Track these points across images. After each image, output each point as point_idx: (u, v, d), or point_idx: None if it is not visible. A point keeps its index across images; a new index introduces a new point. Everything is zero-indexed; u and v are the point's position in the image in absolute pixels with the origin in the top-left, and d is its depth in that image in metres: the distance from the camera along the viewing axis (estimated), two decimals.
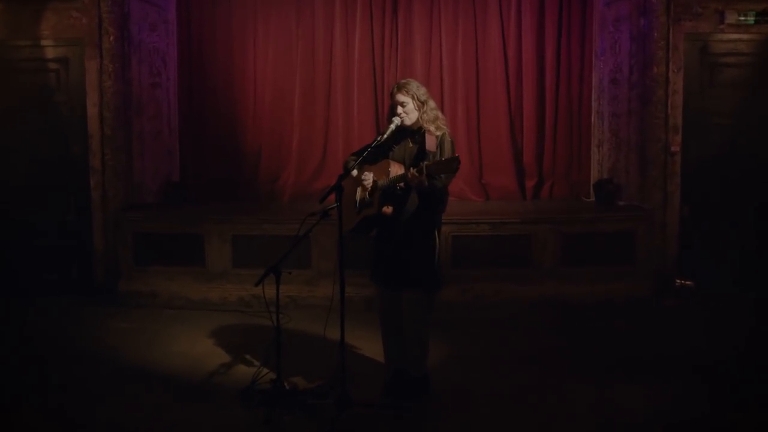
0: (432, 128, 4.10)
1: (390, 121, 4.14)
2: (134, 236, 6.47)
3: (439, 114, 4.20)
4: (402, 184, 3.95)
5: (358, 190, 4.23)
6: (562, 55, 7.27)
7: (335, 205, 3.86)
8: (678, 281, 6.36)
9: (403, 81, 4.20)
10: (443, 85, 7.33)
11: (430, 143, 4.00)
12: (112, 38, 6.55)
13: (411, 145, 4.18)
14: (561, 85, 7.30)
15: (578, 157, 7.36)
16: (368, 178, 4.15)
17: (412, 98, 4.12)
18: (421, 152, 4.04)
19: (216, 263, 6.34)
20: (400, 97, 4.12)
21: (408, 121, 4.15)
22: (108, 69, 6.57)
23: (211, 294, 6.32)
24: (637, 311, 5.98)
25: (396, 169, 4.04)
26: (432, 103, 4.19)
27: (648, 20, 6.40)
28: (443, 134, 4.11)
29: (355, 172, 4.21)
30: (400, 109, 4.13)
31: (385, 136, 4.09)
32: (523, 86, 7.34)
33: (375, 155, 4.18)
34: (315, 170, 7.52)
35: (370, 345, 5.04)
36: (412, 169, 3.84)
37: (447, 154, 4.04)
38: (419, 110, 4.13)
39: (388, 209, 4.03)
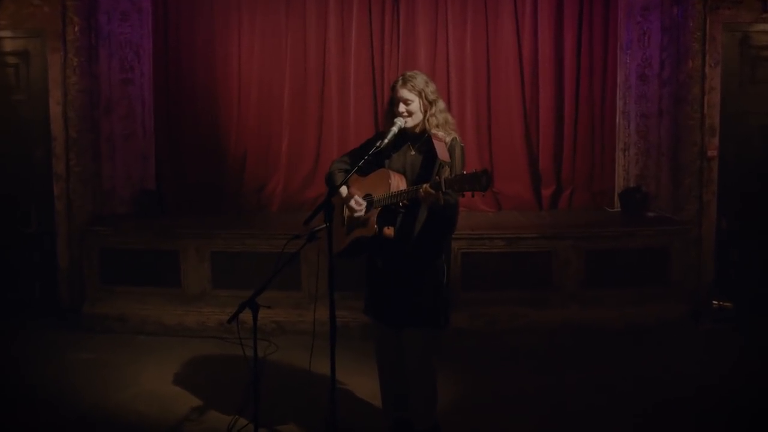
0: (439, 133, 3.59)
1: (391, 123, 3.62)
2: (101, 252, 6.06)
3: (449, 117, 3.71)
4: (406, 201, 3.44)
5: (345, 207, 3.71)
6: (582, 47, 6.87)
7: (324, 225, 3.32)
8: (715, 303, 6.07)
9: (409, 73, 3.68)
10: (450, 82, 6.93)
11: (442, 151, 3.46)
12: (77, 28, 6.17)
13: (412, 152, 3.67)
14: (582, 81, 6.90)
15: (601, 162, 6.98)
16: (360, 206, 3.64)
17: (419, 96, 3.61)
18: (430, 162, 3.54)
19: (193, 283, 5.94)
20: (404, 93, 3.60)
21: (412, 123, 3.64)
22: (72, 63, 6.19)
23: (188, 318, 5.92)
24: (672, 337, 5.64)
25: (397, 181, 3.54)
26: (441, 104, 3.69)
27: (682, 8, 6.13)
28: (453, 139, 3.60)
29: (344, 190, 3.67)
30: (402, 108, 3.61)
31: (387, 140, 3.55)
32: (540, 83, 6.94)
33: (368, 164, 3.66)
34: (307, 177, 7.09)
35: (367, 383, 4.55)
36: (425, 184, 3.32)
37: (458, 163, 3.53)
38: (426, 112, 3.62)
39: (389, 231, 3.53)
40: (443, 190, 3.23)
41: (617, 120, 6.82)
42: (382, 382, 3.93)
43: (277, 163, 7.07)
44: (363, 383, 4.63)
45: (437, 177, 3.27)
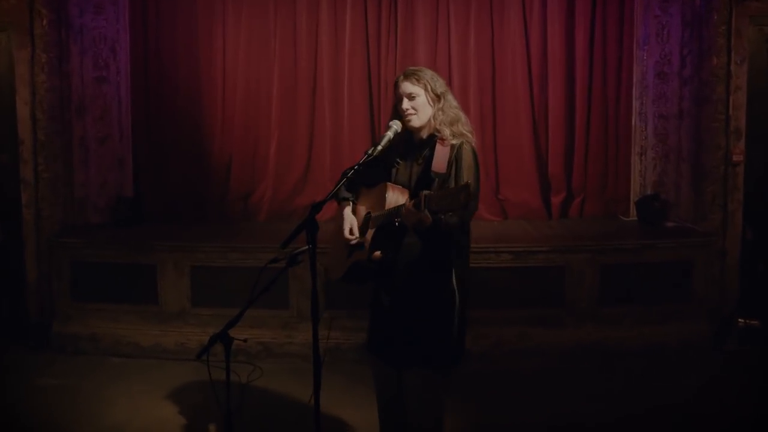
0: (447, 132, 3.21)
1: (387, 126, 3.24)
2: (72, 266, 5.77)
3: (462, 115, 3.33)
4: (399, 220, 3.08)
5: (344, 230, 3.36)
6: (596, 43, 6.65)
7: (306, 247, 2.93)
8: (741, 321, 5.81)
9: (412, 68, 3.33)
10: (452, 80, 6.65)
11: (440, 160, 3.11)
12: (45, 22, 5.90)
13: (420, 161, 3.29)
14: (595, 80, 6.69)
15: (615, 167, 6.76)
16: (353, 237, 3.30)
17: (425, 89, 3.24)
18: (427, 174, 3.17)
19: (171, 301, 5.64)
20: (407, 87, 3.25)
21: (417, 122, 3.27)
22: (41, 59, 5.92)
23: (166, 339, 5.61)
24: (694, 359, 5.41)
25: (396, 197, 3.17)
26: (452, 99, 3.33)
27: (705, 0, 5.87)
28: (461, 144, 3.22)
29: (346, 203, 3.30)
30: (407, 104, 3.23)
31: (380, 147, 3.18)
32: (549, 81, 6.71)
33: (371, 176, 3.31)
34: (297, 183, 6.85)
35: (360, 415, 4.29)
36: (408, 201, 2.96)
37: (468, 172, 3.15)
38: (433, 106, 3.26)
39: (377, 255, 3.17)
40: (423, 209, 2.83)
41: (633, 121, 6.61)
42: (381, 421, 3.57)
43: (265, 169, 6.85)
44: (356, 415, 4.35)
45: (422, 193, 2.87)
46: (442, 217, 2.97)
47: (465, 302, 3.30)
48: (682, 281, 5.58)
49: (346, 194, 3.41)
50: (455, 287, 3.25)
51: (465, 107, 6.41)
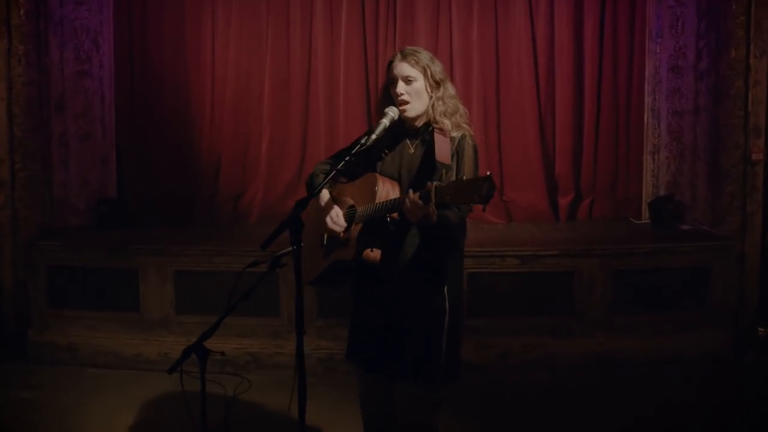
0: (446, 124, 2.96)
1: (382, 109, 3.02)
2: (49, 270, 5.59)
3: (460, 106, 3.07)
4: (395, 215, 2.82)
5: (327, 219, 3.07)
6: (605, 35, 6.55)
7: (290, 249, 2.68)
8: (761, 330, 5.63)
9: (410, 48, 3.08)
10: (454, 76, 6.52)
11: (443, 150, 2.84)
12: (22, 11, 5.72)
13: (412, 150, 3.04)
14: (604, 74, 6.59)
15: (626, 167, 6.67)
16: (338, 219, 3.02)
17: (423, 73, 2.98)
18: (427, 163, 2.91)
19: (153, 308, 5.46)
20: (405, 69, 2.99)
21: (412, 111, 3.00)
22: (18, 52, 5.74)
23: (148, 348, 5.43)
24: (712, 370, 5.26)
25: (387, 189, 2.91)
26: (451, 88, 3.07)
27: None
28: (463, 135, 2.98)
29: (325, 194, 3.03)
30: (401, 87, 2.98)
31: (375, 135, 2.92)
32: (556, 76, 6.61)
33: (356, 166, 3.04)
34: (290, 184, 6.74)
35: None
36: (411, 192, 2.67)
37: (468, 167, 2.91)
38: (431, 94, 3.00)
39: (373, 254, 2.91)
40: (433, 201, 2.59)
41: (645, 118, 6.50)
42: None
43: (256, 169, 6.74)
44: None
45: (430, 184, 2.62)
46: (448, 213, 2.78)
47: (458, 311, 3.06)
48: (698, 288, 5.46)
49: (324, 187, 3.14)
50: (446, 294, 3.02)
51: (468, 103, 6.34)
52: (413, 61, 2.98)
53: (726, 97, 5.73)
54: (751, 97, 5.66)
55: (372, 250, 2.90)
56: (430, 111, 3.00)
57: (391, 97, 3.02)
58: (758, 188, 5.74)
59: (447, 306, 3.00)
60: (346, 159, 2.84)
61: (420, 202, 2.61)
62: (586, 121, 6.62)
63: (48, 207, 6.01)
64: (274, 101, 6.66)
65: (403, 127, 3.04)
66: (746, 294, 5.69)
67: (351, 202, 3.02)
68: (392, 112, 2.94)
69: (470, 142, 2.97)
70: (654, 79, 6.35)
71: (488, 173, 2.43)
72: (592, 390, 4.92)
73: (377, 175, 2.97)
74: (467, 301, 5.17)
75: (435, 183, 2.57)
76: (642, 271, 5.36)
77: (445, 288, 3.00)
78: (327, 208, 3.02)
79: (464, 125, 3.00)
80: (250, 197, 6.70)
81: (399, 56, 3.02)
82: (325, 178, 2.86)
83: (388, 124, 2.92)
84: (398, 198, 2.77)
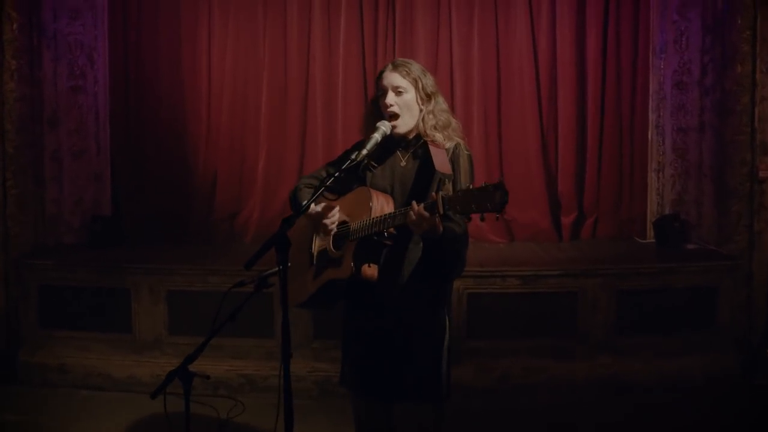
0: (438, 137, 2.90)
1: (370, 122, 2.95)
2: (40, 290, 5.53)
3: (453, 120, 3.01)
4: (392, 229, 2.73)
5: (316, 237, 3.01)
6: (609, 50, 6.49)
7: (277, 269, 2.60)
8: None
9: (401, 59, 3.02)
10: (454, 89, 6.52)
11: (441, 160, 2.75)
12: (15, 26, 5.67)
13: (402, 163, 2.97)
14: (608, 89, 6.54)
15: (630, 185, 6.60)
16: (333, 217, 2.94)
17: (415, 85, 2.92)
18: (425, 175, 2.83)
19: (146, 329, 5.38)
20: (395, 79, 2.93)
21: (404, 127, 2.94)
22: (10, 66, 5.68)
23: (140, 370, 5.33)
24: (720, 395, 5.14)
25: (381, 204, 2.83)
26: (442, 101, 3.00)
27: (728, 3, 5.74)
28: (457, 144, 2.92)
29: (316, 208, 2.94)
30: (391, 98, 2.91)
31: (366, 150, 2.84)
32: (558, 91, 6.55)
33: (344, 181, 2.96)
34: (287, 201, 6.42)
35: None
36: (415, 204, 2.59)
37: (463, 177, 2.85)
38: (422, 107, 2.94)
39: (370, 270, 2.81)
40: (441, 212, 2.51)
41: (650, 135, 6.45)
42: None
43: (253, 186, 6.67)
44: None
45: (434, 195, 2.55)
46: (452, 225, 2.71)
47: (451, 325, 3.01)
48: (705, 309, 5.38)
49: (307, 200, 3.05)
50: (446, 310, 2.96)
51: (468, 118, 6.39)
52: (404, 72, 2.91)
53: (732, 113, 5.67)
54: (758, 113, 5.60)
55: (369, 266, 2.81)
56: (421, 125, 2.92)
57: (379, 111, 2.95)
58: (766, 206, 5.67)
59: (447, 323, 2.95)
60: (336, 175, 2.76)
61: (426, 213, 2.54)
62: (589, 138, 6.57)
63: (41, 224, 5.95)
64: (272, 115, 6.61)
65: (392, 140, 2.96)
66: (754, 315, 5.61)
67: (343, 218, 2.92)
68: (384, 127, 2.86)
69: (465, 151, 2.91)
70: (658, 95, 6.30)
71: (499, 180, 2.35)
72: (595, 414, 4.84)
73: (370, 189, 2.88)
74: (467, 322, 5.11)
75: (441, 193, 2.50)
76: (647, 292, 5.29)
77: (445, 304, 2.95)
78: (317, 217, 2.94)
79: (456, 138, 2.94)
80: (247, 215, 6.63)
81: (390, 66, 2.96)
82: (314, 194, 2.77)
83: (379, 138, 2.84)
84: (401, 211, 2.68)
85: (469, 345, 5.10)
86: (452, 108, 6.21)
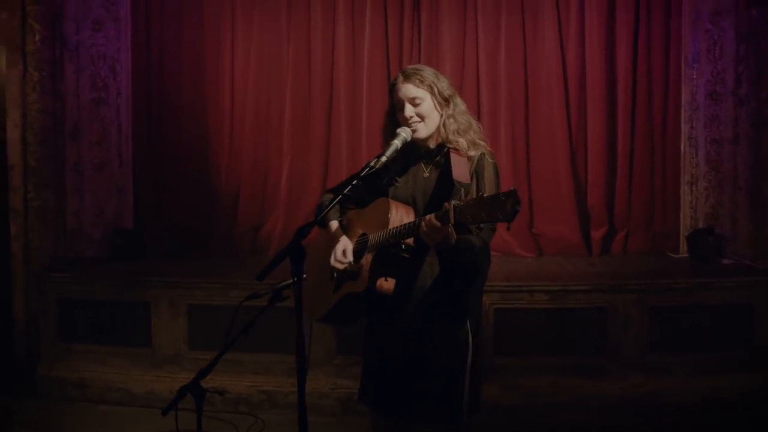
0: (462, 143, 2.81)
1: (388, 136, 2.86)
2: (59, 303, 5.50)
3: (473, 121, 2.93)
4: (410, 241, 2.65)
5: (333, 252, 2.93)
6: (639, 61, 6.42)
7: (291, 281, 2.53)
8: None
9: (412, 67, 2.93)
10: (480, 102, 6.49)
11: (460, 169, 2.67)
12: (37, 38, 5.71)
13: (425, 174, 2.89)
14: (638, 101, 6.45)
15: (662, 198, 6.51)
16: (353, 232, 2.89)
17: (431, 91, 2.83)
18: (445, 185, 2.73)
19: (165, 343, 5.34)
20: (410, 90, 2.84)
21: (423, 132, 2.85)
22: (33, 78, 5.72)
23: (159, 385, 5.27)
24: (757, 415, 4.97)
25: (400, 215, 2.75)
26: (461, 104, 2.92)
27: (762, 11, 5.65)
28: (482, 154, 2.83)
29: (333, 224, 2.89)
30: (410, 110, 2.82)
31: (385, 157, 2.76)
32: (588, 103, 6.49)
33: (365, 192, 2.90)
34: (311, 214, 6.48)
35: None
36: (428, 216, 2.50)
37: (490, 187, 2.75)
38: (441, 112, 2.86)
39: (387, 284, 2.73)
40: (452, 221, 2.42)
41: (682, 147, 6.36)
42: None
43: (276, 198, 6.66)
44: None
45: (447, 203, 2.46)
46: (470, 236, 2.60)
47: (480, 343, 2.89)
48: (741, 326, 5.21)
49: (333, 216, 2.99)
50: (469, 326, 2.84)
51: (495, 132, 6.34)
52: (417, 81, 2.83)
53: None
54: None
55: (386, 280, 2.72)
56: (442, 130, 2.84)
57: (396, 124, 2.87)
58: None
59: (470, 340, 2.82)
60: (353, 183, 2.69)
61: (437, 223, 2.45)
62: (620, 150, 6.49)
63: (62, 237, 5.95)
64: (295, 126, 6.61)
65: (416, 150, 2.89)
66: None
67: (362, 231, 2.85)
68: (404, 133, 2.78)
69: (490, 160, 2.81)
70: (691, 106, 6.21)
71: (512, 188, 2.26)
72: None
73: (389, 200, 2.81)
74: (493, 338, 5.02)
75: (453, 202, 2.41)
76: (680, 308, 5.16)
77: (468, 319, 2.83)
78: (334, 240, 2.86)
79: (480, 142, 2.85)
80: (270, 228, 6.60)
81: (401, 77, 2.87)
82: (331, 204, 2.70)
83: (399, 145, 2.77)
84: (413, 222, 2.61)
85: (495, 362, 5.01)
86: (479, 120, 6.20)
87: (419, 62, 6.29)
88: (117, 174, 6.31)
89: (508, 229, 2.32)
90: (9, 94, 5.70)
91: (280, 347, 5.01)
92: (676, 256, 6.27)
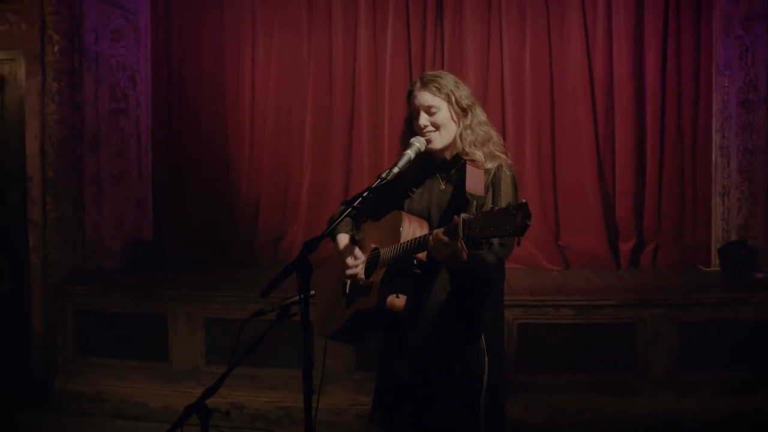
0: (478, 155, 2.70)
1: (406, 144, 2.75)
2: (76, 316, 5.47)
3: (493, 133, 2.81)
4: (423, 256, 2.57)
5: (347, 260, 2.85)
6: (668, 68, 6.33)
7: (298, 297, 2.46)
8: None
9: (431, 73, 2.82)
10: (505, 109, 6.42)
11: (475, 181, 2.58)
12: (56, 48, 5.67)
13: (443, 186, 2.78)
14: (668, 109, 6.36)
15: (693, 210, 6.41)
16: (365, 246, 2.81)
17: (448, 100, 2.73)
18: (459, 198, 2.63)
19: (182, 357, 5.27)
20: (426, 98, 2.74)
21: (438, 142, 2.75)
22: (51, 89, 5.69)
23: (176, 400, 5.17)
24: None
25: (413, 228, 2.65)
26: (480, 114, 2.80)
27: None
28: (499, 166, 2.71)
29: (344, 237, 2.81)
30: (424, 119, 2.73)
31: (397, 168, 2.66)
32: (615, 111, 6.41)
33: (380, 204, 2.82)
34: None
35: None
36: (436, 230, 2.41)
37: (507, 200, 2.63)
38: (459, 122, 2.74)
39: (398, 301, 2.65)
40: (461, 236, 2.31)
41: (713, 157, 6.24)
42: None
43: (297, 210, 6.65)
44: None
45: (457, 217, 2.35)
46: (482, 252, 2.49)
47: (499, 365, 2.75)
48: None
49: (345, 229, 2.91)
50: (485, 346, 2.71)
51: (520, 141, 6.28)
52: (434, 89, 2.73)
53: None
54: None
55: (397, 297, 2.63)
56: (459, 141, 2.74)
57: (413, 133, 2.78)
58: None
59: (486, 361, 2.70)
60: (363, 195, 2.59)
61: (445, 238, 2.35)
62: (649, 160, 6.39)
63: (80, 249, 5.90)
64: (316, 136, 6.59)
65: (432, 161, 2.79)
66: None
67: (374, 245, 2.76)
68: (418, 143, 2.68)
69: (507, 172, 2.70)
70: (722, 115, 6.09)
71: (523, 200, 2.16)
72: None
73: (402, 213, 2.71)
74: (517, 355, 4.89)
75: (462, 215, 2.31)
76: (711, 324, 4.99)
77: (483, 339, 2.70)
78: (346, 252, 2.77)
79: (499, 154, 2.74)
80: (291, 240, 6.57)
81: (418, 84, 2.77)
82: (341, 216, 2.63)
83: (413, 156, 2.67)
84: (423, 236, 2.51)
85: (519, 379, 4.89)
86: (503, 133, 6.19)
87: (442, 68, 6.24)
88: (136, 185, 6.31)
89: (518, 244, 2.21)
90: (28, 104, 5.68)
91: (298, 362, 4.87)
92: (708, 269, 6.15)
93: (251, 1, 6.61)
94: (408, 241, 2.56)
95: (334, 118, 6.56)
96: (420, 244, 2.50)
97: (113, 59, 6.07)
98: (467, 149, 2.72)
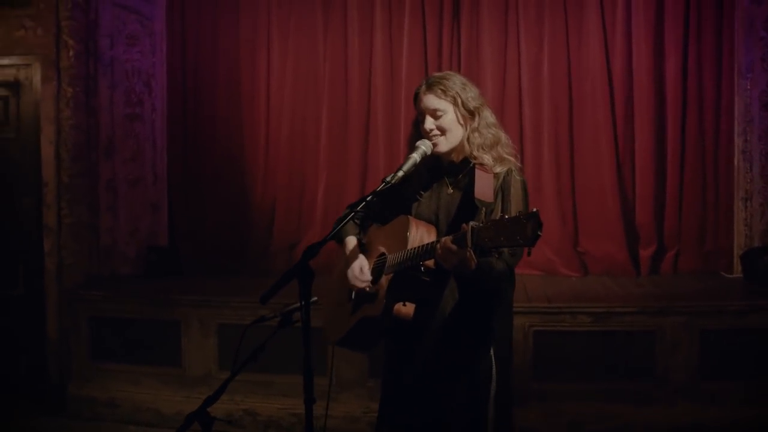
0: (487, 159, 2.65)
1: (412, 148, 2.71)
2: (90, 322, 5.50)
3: (502, 135, 2.76)
4: (431, 263, 2.51)
5: (348, 271, 2.81)
6: (689, 71, 6.27)
7: (299, 304, 2.44)
8: None
9: (438, 74, 2.78)
10: (523, 115, 6.39)
11: (483, 186, 2.54)
12: (71, 53, 5.70)
13: (450, 190, 2.74)
14: (689, 113, 6.30)
15: (715, 215, 6.34)
16: (372, 250, 2.78)
17: (454, 103, 2.68)
18: (467, 203, 2.59)
19: (195, 363, 5.28)
20: (431, 101, 2.70)
21: (444, 146, 2.71)
22: (66, 94, 5.71)
23: (189, 406, 5.02)
24: None
25: (421, 234, 2.61)
26: (489, 115, 2.75)
27: None
28: (509, 170, 2.67)
29: (351, 241, 2.78)
30: (430, 123, 2.69)
31: (402, 172, 2.63)
32: (635, 114, 6.35)
33: (387, 208, 2.79)
34: None
35: None
36: (444, 238, 2.38)
37: (516, 206, 2.59)
38: (465, 125, 2.69)
39: (405, 309, 2.60)
40: (469, 245, 2.27)
41: (736, 162, 6.16)
42: None
43: (312, 215, 6.64)
44: None
45: (465, 225, 2.31)
46: (491, 260, 2.46)
47: (507, 374, 2.71)
48: None
49: (352, 233, 2.88)
50: (493, 353, 2.67)
51: (538, 145, 6.25)
52: (440, 92, 2.68)
53: None
54: None
55: (404, 305, 2.59)
56: (466, 145, 2.69)
57: (420, 135, 2.74)
58: None
59: (494, 370, 2.66)
60: (367, 199, 2.57)
61: (453, 246, 2.31)
62: (669, 164, 6.33)
63: (95, 254, 5.92)
64: (331, 140, 6.59)
65: (440, 164, 2.75)
66: None
67: (382, 250, 2.73)
68: (424, 146, 2.65)
69: (517, 177, 2.66)
70: (745, 118, 6.01)
71: (534, 209, 2.11)
72: None
73: (410, 218, 2.67)
74: (533, 363, 4.85)
75: (471, 224, 2.26)
76: (734, 332, 4.92)
77: (492, 349, 2.66)
78: (351, 259, 2.74)
79: (508, 157, 2.69)
80: (307, 245, 6.44)
81: (424, 87, 2.73)
82: (343, 221, 2.60)
83: (418, 159, 2.63)
84: (430, 243, 2.46)
85: (534, 387, 4.85)
86: (521, 136, 6.23)
87: (459, 71, 6.15)
88: (151, 190, 6.34)
89: (529, 254, 2.16)
90: (43, 109, 5.72)
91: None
92: (730, 276, 6.07)
93: (267, 5, 6.61)
94: (415, 248, 2.52)
95: (350, 122, 6.55)
96: (427, 251, 2.46)
97: (128, 64, 6.09)
98: (475, 153, 2.68)
